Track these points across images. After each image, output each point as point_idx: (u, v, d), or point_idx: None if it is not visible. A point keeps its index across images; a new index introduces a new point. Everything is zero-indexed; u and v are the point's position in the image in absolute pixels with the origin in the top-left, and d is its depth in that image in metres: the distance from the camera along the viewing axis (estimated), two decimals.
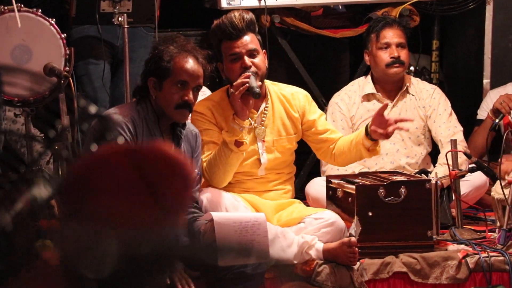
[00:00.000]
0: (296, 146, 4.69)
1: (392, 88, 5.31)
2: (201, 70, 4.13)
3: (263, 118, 4.57)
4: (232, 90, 4.36)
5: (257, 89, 4.31)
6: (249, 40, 4.45)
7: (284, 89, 4.67)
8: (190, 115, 4.28)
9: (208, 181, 4.45)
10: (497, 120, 5.38)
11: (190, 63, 4.09)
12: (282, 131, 4.61)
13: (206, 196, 4.37)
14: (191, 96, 4.10)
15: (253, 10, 5.17)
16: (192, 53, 4.12)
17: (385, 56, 5.22)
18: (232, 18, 4.44)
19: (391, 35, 5.24)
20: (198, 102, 4.36)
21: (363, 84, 5.34)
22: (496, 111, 5.41)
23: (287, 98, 4.62)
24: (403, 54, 5.23)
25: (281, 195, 4.61)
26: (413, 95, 5.31)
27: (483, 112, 5.76)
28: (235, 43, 4.43)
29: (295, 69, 5.87)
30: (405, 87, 5.30)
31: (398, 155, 5.25)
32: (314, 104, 4.70)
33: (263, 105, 4.59)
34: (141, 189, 1.47)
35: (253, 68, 4.41)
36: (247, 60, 4.42)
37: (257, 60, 4.45)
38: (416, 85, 5.36)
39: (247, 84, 4.32)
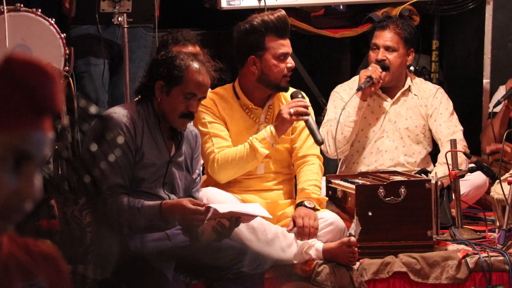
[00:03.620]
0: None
1: (391, 86, 5.29)
2: (210, 81, 4.12)
3: (268, 115, 4.56)
4: (291, 111, 4.38)
5: (321, 137, 4.41)
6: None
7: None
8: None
9: (214, 173, 4.46)
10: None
11: (202, 77, 4.06)
12: None
13: (206, 196, 4.36)
14: (197, 107, 4.11)
15: (253, 10, 5.17)
16: (205, 65, 4.10)
17: (372, 57, 5.21)
18: (283, 17, 4.47)
19: (381, 37, 5.18)
20: None
21: None
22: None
23: (289, 100, 4.61)
24: (391, 58, 5.17)
25: (280, 195, 4.61)
26: (415, 94, 5.29)
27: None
28: (285, 41, 4.48)
29: (295, 69, 5.86)
30: (407, 86, 5.29)
31: (396, 153, 5.25)
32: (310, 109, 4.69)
33: (269, 102, 4.58)
34: (15, 92, 1.49)
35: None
36: (292, 61, 4.51)
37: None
38: (420, 84, 5.35)
39: (309, 122, 4.39)
